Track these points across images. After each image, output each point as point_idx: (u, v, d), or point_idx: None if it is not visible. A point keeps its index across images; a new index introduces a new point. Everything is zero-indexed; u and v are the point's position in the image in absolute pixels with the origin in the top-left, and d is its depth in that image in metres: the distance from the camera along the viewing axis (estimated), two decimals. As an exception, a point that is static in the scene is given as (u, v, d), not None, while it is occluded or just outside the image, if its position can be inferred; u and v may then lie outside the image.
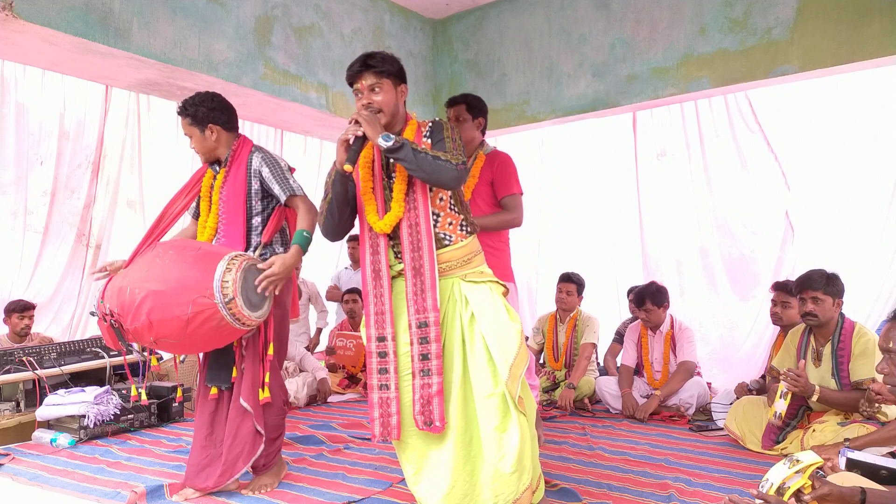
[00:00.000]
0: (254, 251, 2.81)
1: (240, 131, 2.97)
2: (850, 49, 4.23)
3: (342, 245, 6.51)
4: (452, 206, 2.38)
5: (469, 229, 2.40)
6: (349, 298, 5.46)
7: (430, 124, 2.41)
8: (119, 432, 3.82)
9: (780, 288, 3.93)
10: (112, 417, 3.76)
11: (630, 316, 5.09)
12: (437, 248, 2.32)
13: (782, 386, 3.14)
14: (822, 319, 3.28)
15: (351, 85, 2.38)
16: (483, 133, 3.46)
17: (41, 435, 3.65)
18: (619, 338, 5.01)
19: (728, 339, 5.13)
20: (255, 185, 2.82)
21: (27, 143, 4.59)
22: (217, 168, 2.92)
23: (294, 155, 5.95)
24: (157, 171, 5.14)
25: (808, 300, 3.29)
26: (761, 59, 4.55)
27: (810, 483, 1.75)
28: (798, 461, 1.78)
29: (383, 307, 2.34)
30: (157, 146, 5.14)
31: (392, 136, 2.18)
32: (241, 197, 2.81)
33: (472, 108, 3.37)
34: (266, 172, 2.80)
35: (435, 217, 2.33)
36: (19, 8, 3.48)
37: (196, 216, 3.03)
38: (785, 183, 4.91)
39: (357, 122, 2.23)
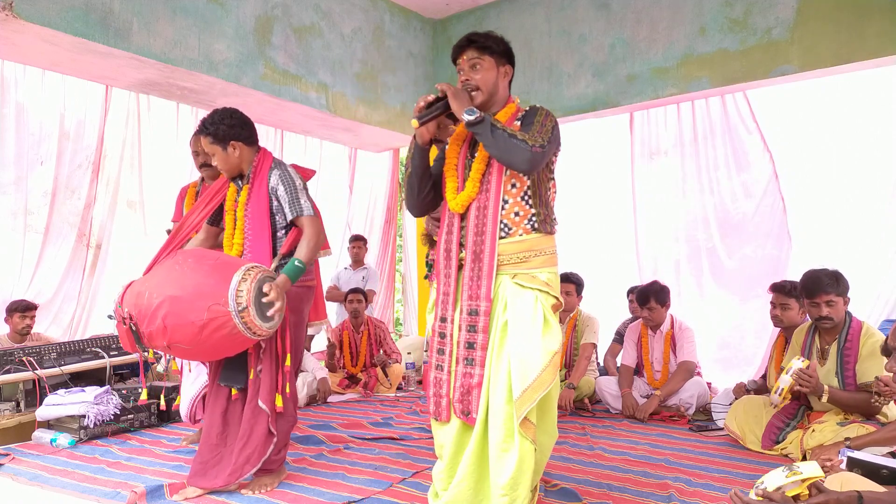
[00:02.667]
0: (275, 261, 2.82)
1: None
2: (850, 49, 4.23)
3: (342, 245, 6.51)
4: (526, 198, 2.26)
5: (537, 225, 2.26)
6: (353, 298, 5.46)
7: (527, 109, 2.34)
8: (119, 432, 3.81)
9: (778, 289, 3.89)
10: (112, 417, 3.76)
11: (630, 316, 5.09)
12: None
13: (791, 364, 3.12)
14: (837, 321, 3.25)
15: (455, 62, 2.34)
16: None
17: (41, 435, 3.65)
18: (619, 338, 5.01)
19: (728, 340, 5.13)
20: (275, 203, 2.85)
21: (27, 144, 4.59)
22: (240, 183, 2.93)
23: (294, 155, 5.96)
24: (157, 171, 5.14)
25: (823, 304, 3.23)
26: (761, 59, 4.55)
27: (807, 492, 1.74)
28: (797, 472, 1.77)
29: (449, 288, 2.30)
30: (157, 146, 5.15)
31: (476, 110, 2.14)
32: (264, 214, 2.83)
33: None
34: (281, 191, 2.82)
35: (503, 203, 2.25)
36: (19, 8, 3.48)
37: (211, 222, 3.04)
38: (779, 183, 4.91)
39: (443, 90, 2.21)
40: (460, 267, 2.29)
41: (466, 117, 2.14)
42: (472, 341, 2.22)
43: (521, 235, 2.24)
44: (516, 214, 2.25)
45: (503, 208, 2.24)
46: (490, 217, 2.22)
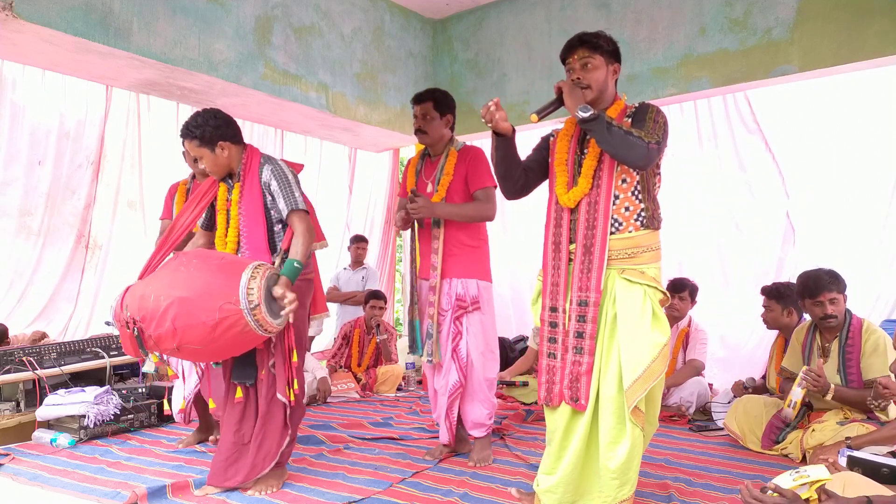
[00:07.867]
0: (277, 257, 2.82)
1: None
2: (850, 49, 4.22)
3: (342, 245, 6.51)
4: (636, 192, 2.31)
5: (645, 222, 2.31)
6: (375, 304, 5.34)
7: (636, 107, 2.38)
8: (119, 432, 3.81)
9: (761, 291, 3.96)
10: (112, 417, 3.76)
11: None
12: None
13: (799, 378, 3.13)
14: (840, 318, 3.26)
15: (564, 61, 2.42)
16: (452, 129, 3.39)
17: (41, 435, 3.65)
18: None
19: (728, 340, 5.13)
20: (269, 197, 2.84)
21: (27, 144, 4.58)
22: (230, 182, 2.91)
23: (294, 155, 5.96)
24: (157, 171, 5.14)
25: (826, 303, 3.24)
26: (761, 59, 4.55)
27: (816, 497, 1.74)
28: (804, 475, 1.77)
29: (559, 279, 2.38)
30: (157, 146, 5.14)
31: (590, 108, 2.19)
32: (259, 210, 2.82)
33: (439, 104, 3.29)
34: (274, 185, 2.81)
35: (614, 199, 2.31)
36: (19, 8, 3.48)
37: (204, 226, 3.03)
38: (783, 184, 4.91)
39: (559, 87, 2.29)
40: (569, 260, 2.37)
41: (581, 114, 2.19)
42: (581, 331, 2.32)
43: (630, 232, 2.31)
44: (626, 209, 2.31)
45: (614, 203, 2.31)
46: (602, 212, 2.29)
